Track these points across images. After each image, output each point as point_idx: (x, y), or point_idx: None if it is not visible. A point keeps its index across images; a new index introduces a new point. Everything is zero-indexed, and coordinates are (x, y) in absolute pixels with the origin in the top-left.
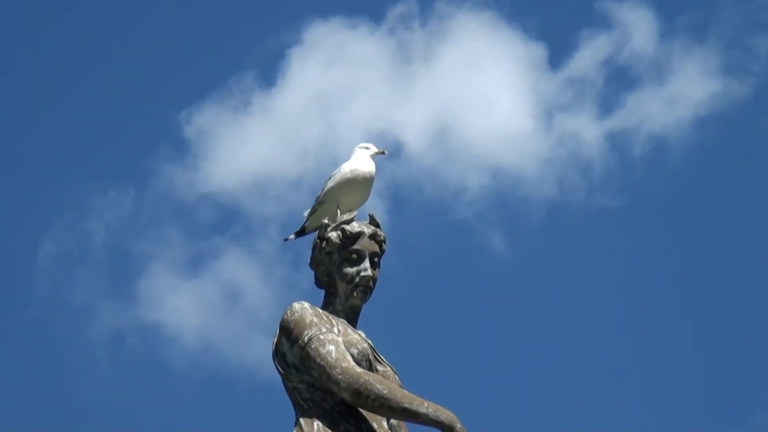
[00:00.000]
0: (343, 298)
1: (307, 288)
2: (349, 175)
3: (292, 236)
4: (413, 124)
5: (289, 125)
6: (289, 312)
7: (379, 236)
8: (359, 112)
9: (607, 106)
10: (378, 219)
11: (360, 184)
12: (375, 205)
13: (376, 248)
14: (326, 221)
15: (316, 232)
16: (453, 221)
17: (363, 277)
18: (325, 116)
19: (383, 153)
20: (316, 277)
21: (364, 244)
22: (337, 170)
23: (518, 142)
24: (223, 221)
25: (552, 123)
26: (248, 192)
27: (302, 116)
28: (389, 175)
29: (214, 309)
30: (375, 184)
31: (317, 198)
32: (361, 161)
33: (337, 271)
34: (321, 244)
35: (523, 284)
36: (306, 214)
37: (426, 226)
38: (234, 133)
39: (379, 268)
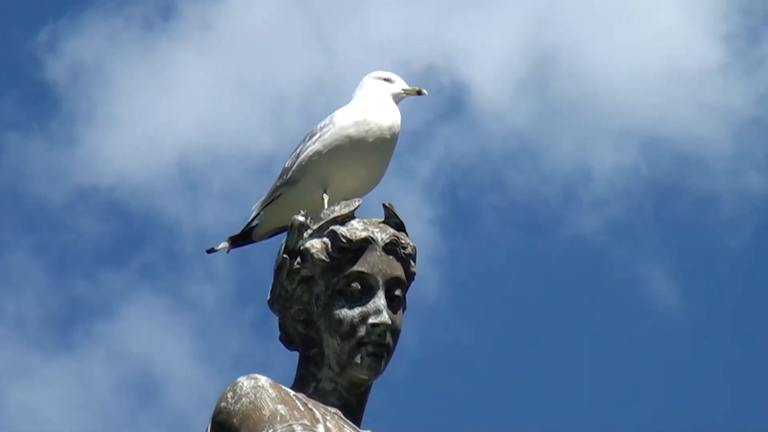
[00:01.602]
0: (335, 367)
1: (270, 351)
2: (349, 131)
3: (224, 244)
4: (486, 52)
5: (246, 56)
6: (230, 395)
7: (404, 246)
8: (376, 28)
9: None
10: (399, 212)
11: (369, 149)
12: (401, 194)
13: (398, 270)
14: (300, 218)
15: (282, 240)
16: (568, 237)
17: (374, 326)
18: (314, 36)
19: (420, 93)
20: (281, 326)
21: (376, 263)
22: (324, 121)
23: (693, 86)
24: (118, 242)
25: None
26: (169, 184)
27: (269, 38)
28: (441, 144)
29: None
30: (407, 155)
31: (282, 173)
32: (373, 104)
33: (324, 315)
34: (291, 264)
35: (702, 351)
36: (256, 206)
37: (515, 244)
38: (143, 74)
39: (405, 309)
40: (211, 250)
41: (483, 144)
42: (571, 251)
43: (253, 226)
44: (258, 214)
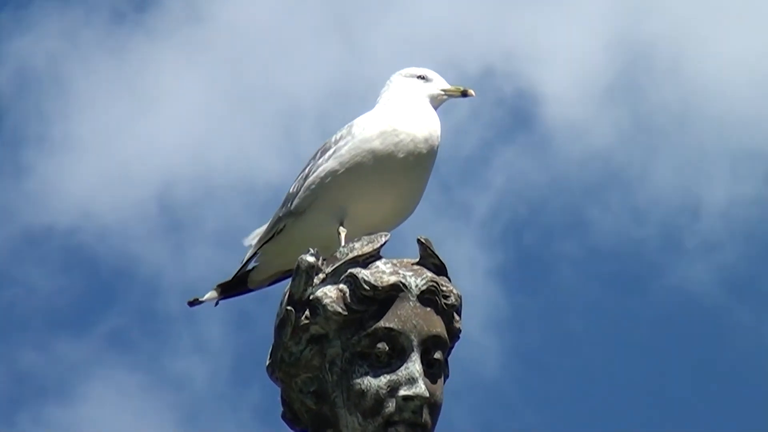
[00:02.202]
0: None
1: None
2: (372, 144)
3: (211, 294)
4: (560, 51)
5: (247, 58)
6: None
7: (445, 295)
8: (416, 20)
9: None
10: (436, 248)
11: (399, 168)
12: (449, 237)
13: (438, 326)
14: (309, 258)
15: (285, 288)
16: (670, 292)
17: (407, 400)
18: (335, 32)
19: (465, 94)
20: (284, 401)
21: (408, 317)
22: (341, 132)
23: None
24: (79, 301)
25: None
26: (146, 224)
27: (277, 35)
28: (502, 172)
29: None
30: (458, 187)
31: (286, 201)
32: (404, 109)
33: (341, 385)
34: (298, 318)
35: None
36: (250, 241)
37: (599, 303)
38: (111, 82)
39: (447, 377)
40: (194, 302)
41: (557, 171)
42: (674, 311)
43: (249, 270)
44: (255, 253)
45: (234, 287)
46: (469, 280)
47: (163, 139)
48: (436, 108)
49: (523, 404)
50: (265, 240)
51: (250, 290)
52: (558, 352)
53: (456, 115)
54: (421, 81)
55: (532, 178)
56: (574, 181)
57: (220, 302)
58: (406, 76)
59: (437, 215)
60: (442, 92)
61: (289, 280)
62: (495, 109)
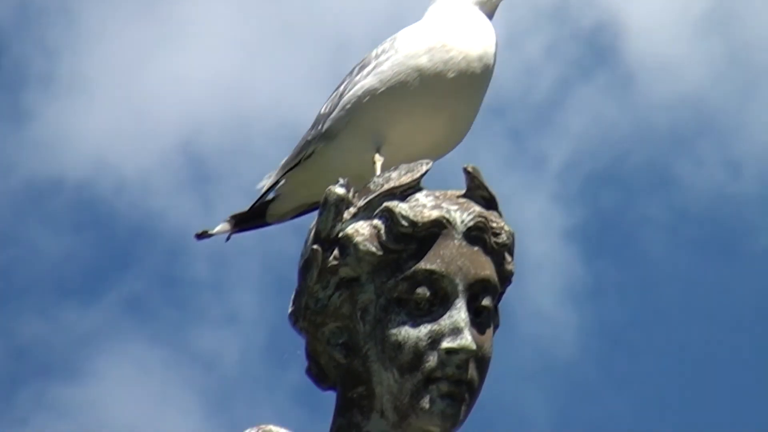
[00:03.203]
0: (391, 415)
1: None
2: (419, 61)
3: (222, 226)
4: None
5: None
6: None
7: (496, 232)
8: None
9: None
10: (485, 179)
11: (449, 89)
12: (520, 192)
13: (487, 268)
14: (339, 189)
15: (312, 224)
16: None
17: (450, 353)
18: None
19: None
20: (309, 354)
21: (453, 258)
22: (383, 45)
23: None
24: (92, 263)
25: None
26: (170, 176)
27: None
28: (580, 117)
29: None
30: (529, 133)
31: (315, 123)
32: (454, 21)
33: (375, 336)
34: (326, 259)
35: None
36: (274, 172)
37: (691, 269)
38: (127, 9)
39: (497, 327)
40: (202, 235)
41: (643, 117)
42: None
43: (270, 200)
44: (277, 182)
45: (250, 219)
46: (544, 242)
47: (189, 76)
48: (490, 15)
49: (604, 388)
50: (291, 166)
51: (268, 224)
52: (645, 328)
53: (527, 52)
54: None
55: (615, 122)
56: (663, 129)
57: (233, 236)
58: None
59: (502, 165)
60: None
61: (315, 215)
62: (570, 43)
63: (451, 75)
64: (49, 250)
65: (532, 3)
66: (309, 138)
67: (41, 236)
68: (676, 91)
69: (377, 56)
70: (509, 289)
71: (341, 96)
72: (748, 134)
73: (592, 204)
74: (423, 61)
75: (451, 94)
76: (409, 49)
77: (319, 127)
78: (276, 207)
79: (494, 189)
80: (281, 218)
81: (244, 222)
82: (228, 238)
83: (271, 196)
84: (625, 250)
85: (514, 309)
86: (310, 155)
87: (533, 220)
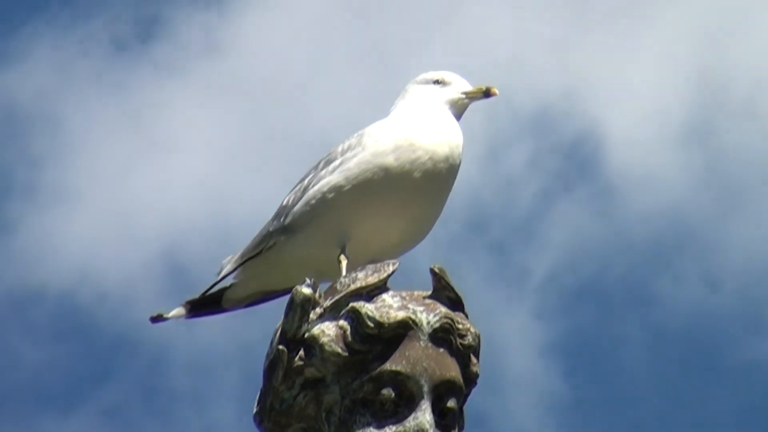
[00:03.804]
0: None
1: None
2: (386, 159)
3: (177, 311)
4: (627, 87)
5: (273, 93)
6: None
7: (461, 334)
8: (465, 46)
9: None
10: (451, 280)
11: (415, 188)
12: (500, 308)
13: (453, 370)
14: (305, 290)
15: (277, 325)
16: (746, 366)
17: None
18: (374, 59)
19: (488, 93)
20: None
21: (419, 359)
22: (350, 140)
23: None
24: (72, 374)
25: None
26: (151, 284)
27: (307, 65)
28: (560, 230)
29: None
30: (511, 247)
31: (277, 214)
32: (421, 119)
33: None
34: (291, 359)
35: None
36: (227, 261)
37: (672, 385)
38: (111, 122)
39: (462, 429)
40: (157, 318)
41: (623, 230)
42: (749, 387)
43: (226, 287)
44: (235, 269)
45: (206, 305)
46: (521, 359)
47: (172, 188)
48: (458, 115)
49: None
50: (250, 256)
51: (224, 310)
52: None
53: (509, 164)
54: (438, 86)
55: (595, 236)
56: (642, 243)
57: (190, 319)
58: (421, 83)
59: (483, 279)
60: (463, 95)
61: (272, 304)
62: (552, 157)
63: (417, 175)
64: (29, 359)
65: (513, 114)
66: (271, 229)
67: (22, 345)
68: (656, 203)
69: (343, 152)
70: (490, 405)
71: (305, 190)
72: (728, 248)
73: (572, 320)
74: (390, 160)
75: (416, 194)
76: (377, 147)
77: (282, 219)
78: (232, 293)
79: (476, 304)
80: (237, 305)
81: (199, 307)
82: (185, 318)
83: (228, 282)
84: (605, 365)
85: (496, 425)
86: (271, 247)
87: (514, 336)
